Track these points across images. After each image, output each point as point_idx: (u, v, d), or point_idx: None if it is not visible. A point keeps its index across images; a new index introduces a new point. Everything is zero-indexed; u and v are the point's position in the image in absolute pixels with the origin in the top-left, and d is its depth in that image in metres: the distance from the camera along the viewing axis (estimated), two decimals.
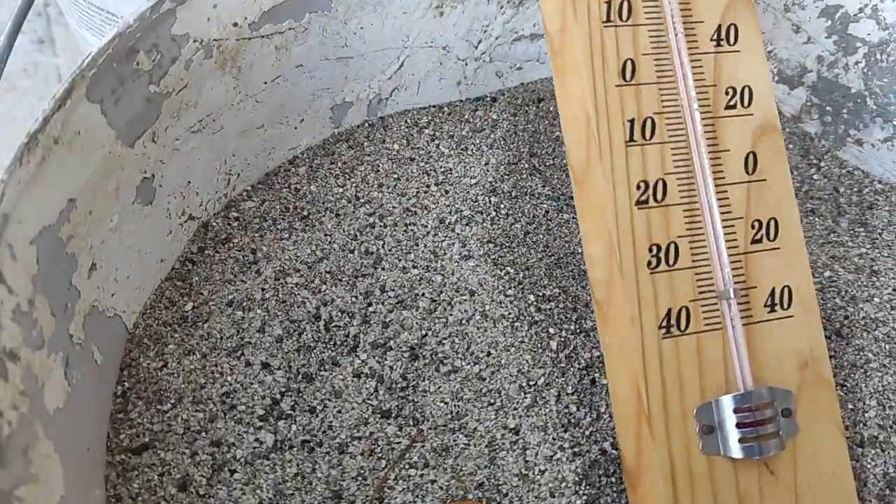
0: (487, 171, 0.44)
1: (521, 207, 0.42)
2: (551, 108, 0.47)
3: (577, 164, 0.32)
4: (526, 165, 0.44)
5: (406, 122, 0.47)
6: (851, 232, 0.41)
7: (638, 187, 0.31)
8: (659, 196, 0.31)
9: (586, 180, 0.32)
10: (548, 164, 0.45)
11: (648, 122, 0.32)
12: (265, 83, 0.41)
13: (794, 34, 0.42)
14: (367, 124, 0.47)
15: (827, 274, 0.39)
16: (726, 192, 0.32)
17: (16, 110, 0.88)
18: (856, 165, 0.43)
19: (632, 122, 0.32)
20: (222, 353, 0.36)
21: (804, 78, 0.43)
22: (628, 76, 0.32)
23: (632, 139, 0.31)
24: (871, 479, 0.33)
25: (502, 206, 0.42)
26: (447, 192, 0.43)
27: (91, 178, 0.33)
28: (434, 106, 0.48)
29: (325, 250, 0.41)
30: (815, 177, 0.43)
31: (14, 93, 0.90)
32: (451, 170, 0.44)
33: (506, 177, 0.43)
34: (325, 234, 0.41)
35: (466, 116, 0.47)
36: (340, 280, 0.39)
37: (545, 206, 0.43)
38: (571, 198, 0.43)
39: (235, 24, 0.38)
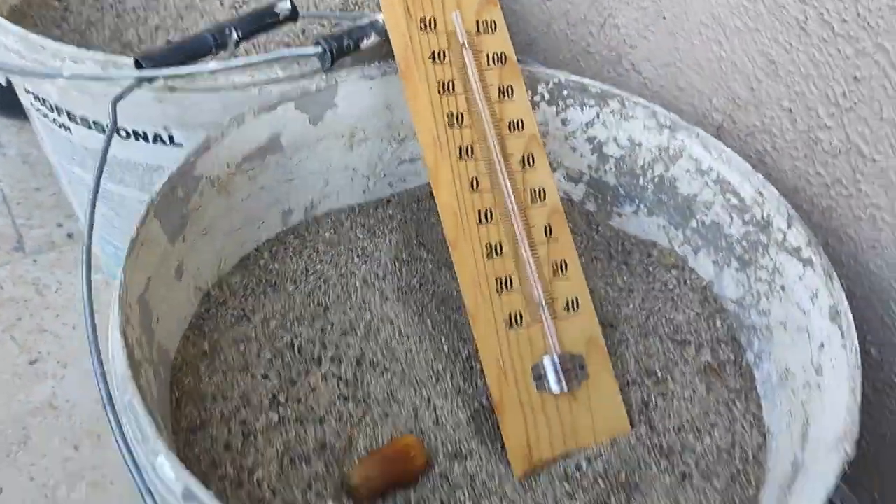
0: (391, 248, 0.67)
1: (416, 269, 0.65)
2: (427, 205, 0.71)
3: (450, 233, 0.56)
4: (415, 242, 0.67)
5: (331, 219, 0.70)
6: (618, 269, 0.66)
7: (487, 247, 0.55)
8: (498, 251, 0.55)
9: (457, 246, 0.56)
10: (429, 239, 0.68)
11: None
12: (242, 199, 0.63)
13: (571, 152, 0.68)
14: (304, 222, 0.69)
15: (602, 292, 0.64)
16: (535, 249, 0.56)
17: None
18: (619, 229, 0.70)
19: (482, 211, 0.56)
20: (236, 371, 0.57)
21: (582, 178, 0.69)
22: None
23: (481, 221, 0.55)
24: (633, 403, 0.57)
25: (403, 269, 0.65)
26: (366, 261, 0.66)
27: (156, 264, 0.53)
28: (348, 206, 0.71)
29: (290, 305, 0.62)
30: (595, 237, 0.69)
31: None
32: (366, 248, 0.67)
33: (403, 250, 0.67)
34: (289, 295, 0.63)
35: (371, 212, 0.71)
36: (303, 321, 0.61)
37: (430, 266, 0.66)
38: (447, 260, 0.66)
39: (227, 165, 0.60)
